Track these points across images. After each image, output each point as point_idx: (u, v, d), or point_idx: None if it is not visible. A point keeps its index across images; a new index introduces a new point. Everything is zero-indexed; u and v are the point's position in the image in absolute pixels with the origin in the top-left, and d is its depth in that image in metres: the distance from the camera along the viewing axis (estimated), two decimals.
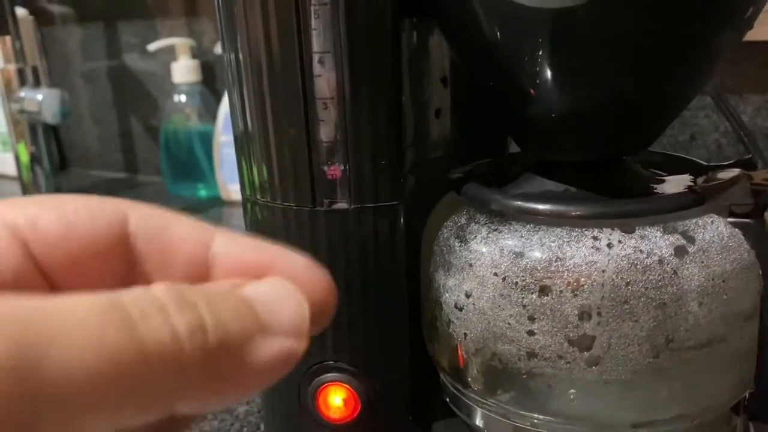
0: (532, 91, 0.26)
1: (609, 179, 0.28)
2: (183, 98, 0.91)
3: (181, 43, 0.89)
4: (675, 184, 0.28)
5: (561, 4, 0.22)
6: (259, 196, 0.29)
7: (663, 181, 0.28)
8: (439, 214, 0.30)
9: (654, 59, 0.24)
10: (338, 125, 0.26)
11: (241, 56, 0.27)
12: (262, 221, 0.29)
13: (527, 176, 0.29)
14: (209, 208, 0.88)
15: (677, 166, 0.30)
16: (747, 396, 0.27)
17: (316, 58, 0.25)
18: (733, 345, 0.25)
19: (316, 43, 0.25)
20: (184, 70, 0.90)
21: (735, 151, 0.63)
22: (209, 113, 0.91)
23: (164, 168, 0.94)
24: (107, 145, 1.07)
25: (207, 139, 0.90)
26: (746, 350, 0.26)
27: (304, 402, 0.30)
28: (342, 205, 0.27)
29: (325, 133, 0.26)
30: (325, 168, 0.27)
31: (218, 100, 0.91)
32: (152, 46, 0.89)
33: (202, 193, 0.92)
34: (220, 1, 0.27)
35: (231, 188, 0.88)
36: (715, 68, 0.26)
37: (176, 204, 0.89)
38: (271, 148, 0.27)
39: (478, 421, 0.29)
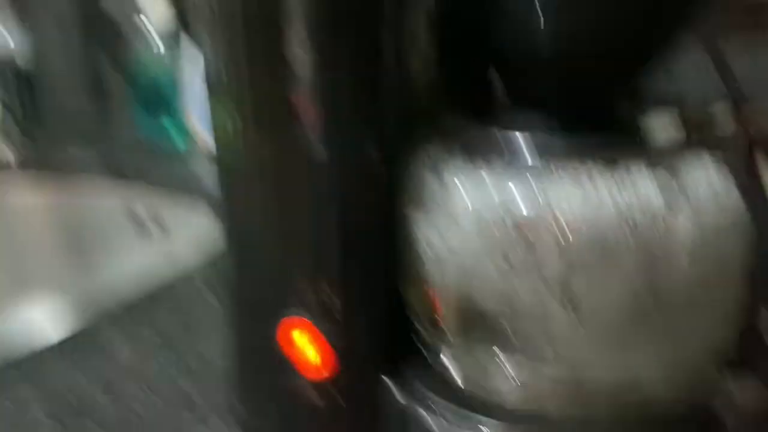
0: (516, 29, 0.24)
1: (596, 116, 0.26)
2: (152, 31, 0.87)
3: None
4: (662, 120, 0.26)
5: None
6: (230, 123, 0.27)
7: (649, 117, 0.27)
8: (416, 148, 0.28)
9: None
10: (316, 67, 0.24)
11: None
12: (231, 154, 0.27)
13: (510, 112, 0.28)
14: (180, 146, 0.85)
15: (668, 102, 0.28)
16: (731, 352, 0.26)
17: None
18: (719, 297, 0.24)
19: None
20: (156, 11, 0.86)
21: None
22: (181, 49, 0.88)
23: (135, 106, 0.91)
24: (76, 81, 1.03)
25: (179, 77, 0.87)
26: (732, 303, 0.25)
27: (274, 349, 0.29)
28: (319, 152, 0.26)
29: (301, 68, 0.24)
30: (299, 106, 0.25)
31: (189, 32, 0.88)
32: None
33: (173, 132, 0.89)
34: None
35: (202, 131, 0.85)
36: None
37: (146, 139, 0.87)
38: (242, 79, 0.25)
39: (451, 367, 0.28)
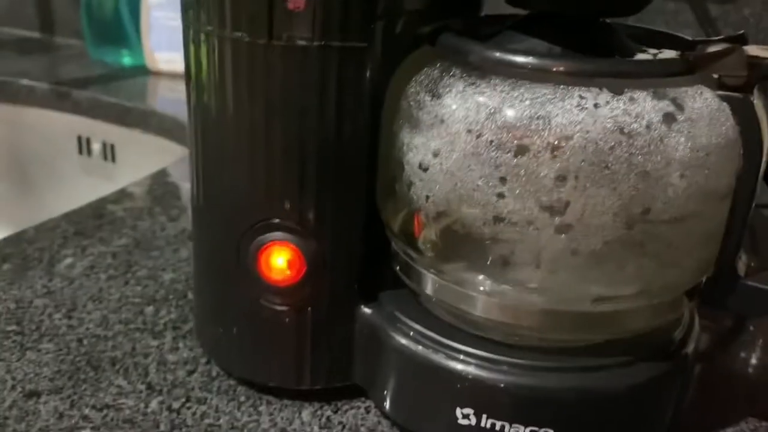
0: None
1: (597, 41, 0.25)
2: None
3: None
4: (665, 54, 0.26)
5: None
6: (203, 21, 0.25)
7: (652, 52, 0.26)
8: (408, 68, 0.27)
9: None
10: None
11: None
12: (206, 54, 0.25)
13: (508, 33, 0.27)
14: (133, 77, 0.81)
15: (665, 41, 0.28)
16: (703, 281, 0.27)
17: None
18: (705, 224, 0.24)
19: None
20: None
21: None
22: None
23: (86, 31, 0.86)
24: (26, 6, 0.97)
25: (133, 1, 0.82)
26: (715, 231, 0.25)
27: (243, 262, 0.28)
28: (303, 41, 0.24)
29: None
30: None
31: None
32: None
33: (127, 60, 0.85)
34: None
35: (159, 57, 0.81)
36: None
37: (97, 70, 0.82)
38: None
39: (429, 290, 0.27)
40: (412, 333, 0.27)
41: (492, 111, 0.23)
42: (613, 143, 0.22)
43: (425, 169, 0.25)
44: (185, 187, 0.53)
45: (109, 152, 0.75)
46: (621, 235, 0.23)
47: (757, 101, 0.25)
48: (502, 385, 0.26)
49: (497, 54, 0.24)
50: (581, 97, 0.22)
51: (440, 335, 0.27)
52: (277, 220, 0.27)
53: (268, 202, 0.27)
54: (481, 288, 0.25)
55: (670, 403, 0.28)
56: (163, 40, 0.80)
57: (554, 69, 0.23)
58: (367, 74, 0.25)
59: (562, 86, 0.23)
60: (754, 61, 0.24)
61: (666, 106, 0.23)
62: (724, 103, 0.24)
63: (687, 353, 0.28)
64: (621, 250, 0.23)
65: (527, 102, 0.23)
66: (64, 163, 0.78)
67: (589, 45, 0.25)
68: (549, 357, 0.26)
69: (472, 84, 0.24)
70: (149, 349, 0.33)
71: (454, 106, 0.24)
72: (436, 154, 0.24)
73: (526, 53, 0.24)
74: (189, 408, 0.30)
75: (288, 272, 0.27)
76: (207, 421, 0.29)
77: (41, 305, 0.36)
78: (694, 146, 0.23)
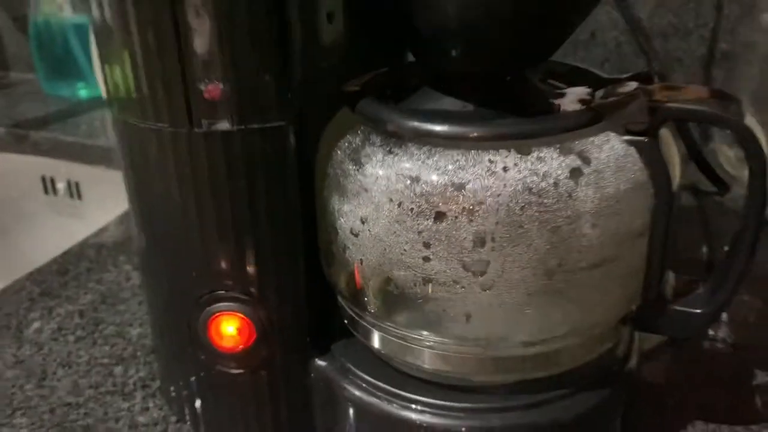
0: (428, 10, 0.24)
1: (507, 95, 0.26)
2: None
3: None
4: (573, 98, 0.27)
5: None
6: (130, 116, 0.26)
7: (562, 95, 0.27)
8: (333, 131, 0.28)
9: None
10: (213, 34, 0.23)
11: None
12: (135, 144, 0.26)
13: (425, 91, 0.28)
14: (91, 110, 0.81)
15: (577, 78, 0.29)
16: (634, 309, 0.28)
17: None
18: (624, 263, 0.26)
19: None
20: None
21: (633, 50, 0.63)
22: (83, 2, 0.83)
23: (38, 65, 0.85)
24: None
25: (83, 32, 0.82)
26: (636, 267, 0.26)
27: (194, 332, 0.29)
28: (224, 125, 0.25)
29: (200, 44, 0.23)
30: (202, 86, 0.24)
31: None
32: None
33: (83, 92, 0.85)
34: None
35: None
36: None
37: (54, 106, 0.82)
38: (137, 57, 0.24)
39: (376, 343, 0.29)
40: (364, 384, 0.29)
41: (410, 181, 0.24)
42: (523, 204, 0.23)
43: (356, 235, 0.26)
44: None
45: (75, 190, 0.75)
46: (542, 286, 0.24)
47: (666, 133, 0.26)
48: (453, 426, 0.27)
49: (413, 123, 0.24)
50: (491, 161, 0.24)
51: (391, 385, 0.28)
52: (222, 292, 0.28)
53: (211, 276, 0.28)
54: (422, 341, 0.27)
55: (617, 421, 0.30)
56: None
57: (465, 136, 0.24)
58: (291, 147, 0.26)
59: (473, 151, 0.24)
60: (654, 105, 0.25)
61: (572, 161, 0.24)
62: (632, 147, 0.25)
63: (628, 373, 0.29)
64: (544, 299, 0.25)
65: (442, 169, 0.24)
66: (30, 203, 0.78)
67: (502, 99, 0.26)
68: (498, 398, 0.27)
69: (391, 153, 0.25)
70: (120, 412, 0.34)
71: (375, 176, 0.25)
72: (363, 221, 0.25)
73: (439, 120, 0.24)
74: None
75: (238, 338, 0.28)
76: None
77: (12, 377, 0.37)
78: (603, 196, 0.24)
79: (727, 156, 0.60)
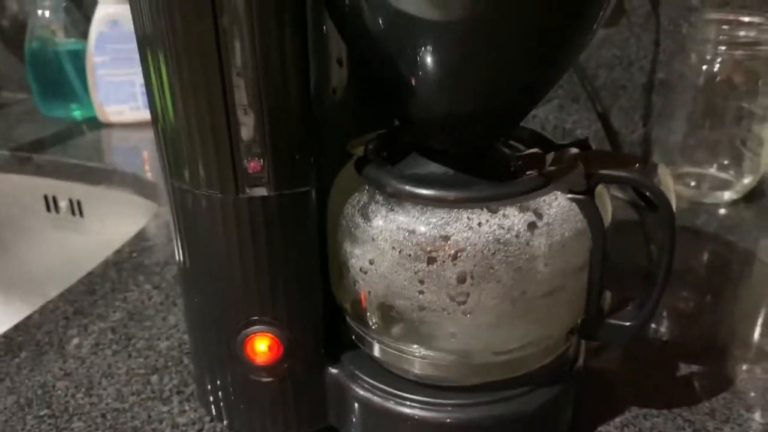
0: (411, 94, 0.31)
1: (481, 162, 0.34)
2: (47, 14, 0.87)
3: None
4: (533, 158, 0.35)
5: (440, 16, 0.27)
6: (185, 183, 0.32)
7: (523, 156, 0.35)
8: (342, 186, 0.35)
9: (517, 71, 0.30)
10: (257, 126, 0.30)
11: (167, 67, 0.30)
12: (188, 206, 0.33)
13: (415, 157, 0.35)
14: (88, 131, 0.87)
15: (534, 142, 0.37)
16: (579, 322, 0.36)
17: (234, 71, 0.29)
18: (570, 290, 0.34)
19: (237, 59, 0.29)
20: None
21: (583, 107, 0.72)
22: (76, 29, 0.88)
23: (34, 89, 0.90)
24: None
25: (76, 57, 0.87)
26: (579, 292, 0.34)
27: (233, 350, 0.36)
28: (262, 192, 0.32)
29: (246, 133, 0.30)
30: (246, 163, 0.31)
31: (84, 12, 0.88)
32: None
33: (77, 113, 0.90)
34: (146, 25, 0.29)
35: (108, 110, 0.87)
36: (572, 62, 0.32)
37: (51, 127, 0.88)
38: (196, 145, 0.31)
39: (377, 354, 0.36)
40: (368, 387, 0.36)
41: (408, 233, 0.32)
42: (494, 251, 0.31)
43: (365, 272, 0.33)
44: (163, 249, 0.60)
45: (77, 208, 0.81)
46: (508, 311, 0.32)
47: (601, 189, 0.34)
48: (440, 422, 0.35)
49: (407, 188, 0.32)
50: (468, 218, 0.31)
51: (390, 387, 0.36)
52: (256, 317, 0.35)
53: (247, 306, 0.35)
54: (415, 353, 0.34)
55: (569, 410, 0.38)
56: (110, 95, 0.86)
57: (447, 199, 0.31)
58: (313, 206, 0.33)
59: (455, 210, 0.31)
60: (590, 172, 0.33)
61: (529, 216, 0.32)
62: (574, 204, 0.33)
63: (576, 372, 0.38)
64: (510, 320, 0.32)
65: (432, 223, 0.31)
66: (33, 221, 0.83)
67: (476, 165, 0.34)
68: (473, 395, 0.35)
69: (392, 210, 0.32)
70: (162, 415, 0.41)
71: (380, 228, 0.32)
72: (371, 262, 0.33)
73: (427, 184, 0.32)
74: None
75: (269, 354, 0.36)
76: None
77: (63, 387, 0.44)
78: (553, 243, 0.32)
79: (665, 173, 0.69)
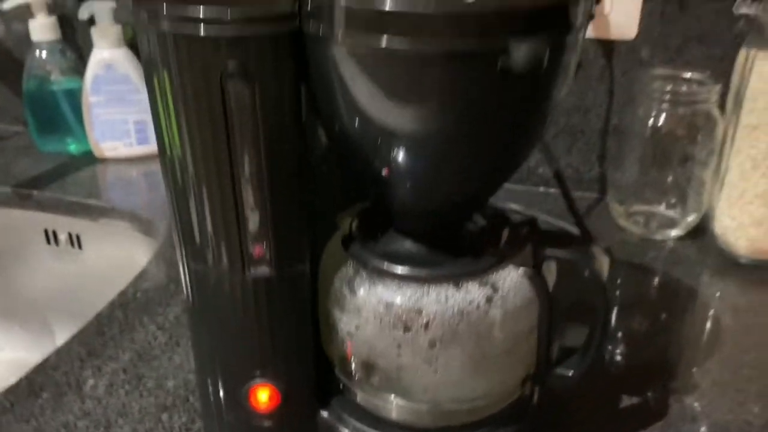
0: (385, 188, 0.38)
1: (448, 240, 0.40)
2: (44, 55, 0.91)
3: (35, 0, 0.88)
4: (492, 235, 0.41)
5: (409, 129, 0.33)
6: (199, 264, 0.39)
7: (483, 233, 0.42)
8: (330, 259, 0.41)
9: (482, 172, 0.37)
10: (262, 221, 0.37)
11: (187, 176, 0.36)
12: (201, 282, 0.39)
13: (392, 234, 0.41)
14: (85, 166, 0.92)
15: (495, 218, 0.43)
16: (531, 372, 0.43)
17: (244, 180, 0.35)
18: (522, 350, 0.40)
19: (246, 171, 0.35)
20: (41, 28, 0.90)
21: None
22: (71, 68, 0.93)
23: (31, 125, 0.95)
24: None
25: (72, 95, 0.92)
26: (530, 349, 0.41)
27: (238, 399, 0.42)
28: (265, 271, 0.38)
29: (252, 226, 0.37)
30: (252, 248, 0.37)
31: (78, 53, 0.93)
32: (7, 4, 0.88)
33: (72, 148, 0.95)
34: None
35: (104, 146, 0.92)
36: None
37: (49, 161, 0.92)
38: (210, 235, 0.37)
39: (361, 401, 0.43)
40: (353, 428, 0.43)
41: (387, 305, 0.38)
42: (458, 321, 0.37)
43: (351, 336, 0.40)
44: (164, 290, 0.65)
45: (76, 241, 0.86)
46: (471, 369, 0.39)
47: (552, 265, 0.41)
48: None
49: (386, 266, 0.38)
50: (437, 293, 0.38)
51: (372, 428, 0.42)
52: (258, 372, 0.41)
53: (252, 364, 0.41)
54: (393, 402, 0.41)
55: None
56: (106, 132, 0.91)
57: (419, 276, 0.38)
58: (308, 281, 0.40)
59: (427, 285, 0.38)
60: (537, 251, 0.39)
61: (487, 290, 0.38)
62: (524, 277, 0.39)
63: (532, 409, 0.44)
64: (472, 376, 0.39)
65: (407, 297, 0.38)
66: (33, 252, 0.88)
67: (446, 242, 0.40)
68: None
69: (374, 284, 0.39)
70: None
71: (364, 300, 0.39)
72: (357, 328, 0.39)
73: (402, 261, 0.38)
74: None
75: (269, 403, 0.42)
76: None
77: (83, 426, 0.49)
78: (507, 312, 0.38)
79: (617, 210, 0.76)
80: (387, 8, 0.29)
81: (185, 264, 0.40)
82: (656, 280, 0.67)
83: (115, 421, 0.50)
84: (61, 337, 0.90)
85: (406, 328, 0.38)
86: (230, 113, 0.33)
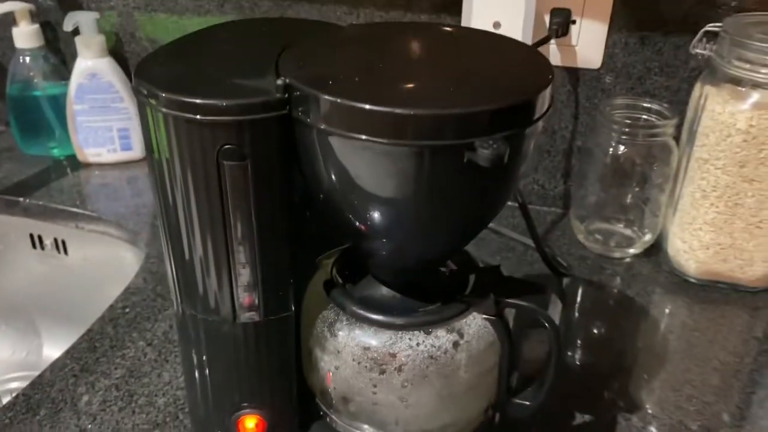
0: (361, 241, 0.42)
1: (420, 287, 0.45)
2: (27, 60, 0.93)
3: (20, 8, 0.89)
4: (459, 282, 0.46)
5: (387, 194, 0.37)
6: (193, 310, 0.42)
7: (452, 279, 0.46)
8: (312, 302, 0.45)
9: (449, 238, 0.41)
10: (252, 274, 0.40)
11: (186, 236, 0.39)
12: (194, 326, 0.43)
13: (369, 279, 0.46)
14: (70, 171, 0.94)
15: (463, 263, 0.47)
16: (492, 401, 0.48)
17: (236, 242, 0.39)
18: (485, 385, 0.45)
19: (239, 234, 0.39)
20: (24, 36, 0.91)
21: None
22: (54, 73, 0.95)
23: (14, 128, 0.97)
24: None
25: (54, 99, 0.94)
26: (492, 384, 0.46)
27: (227, 426, 0.46)
28: (254, 317, 0.42)
29: (243, 280, 0.41)
30: (242, 298, 0.41)
31: (61, 58, 0.95)
32: None
33: (55, 151, 0.97)
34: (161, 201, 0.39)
35: (87, 152, 0.94)
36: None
37: (33, 166, 0.94)
38: (202, 285, 0.41)
39: (338, 427, 0.47)
40: None
41: (364, 348, 0.42)
42: (428, 364, 0.42)
43: (331, 373, 0.44)
44: (150, 305, 0.69)
45: (61, 246, 0.88)
46: (438, 405, 0.43)
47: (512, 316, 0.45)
48: None
49: (363, 313, 0.43)
50: (410, 339, 0.42)
51: None
52: (246, 404, 0.46)
53: (240, 396, 0.45)
54: (367, 430, 0.45)
55: None
56: (89, 139, 0.93)
57: (393, 324, 0.42)
58: (293, 324, 0.44)
59: (400, 331, 0.42)
60: (498, 300, 0.44)
61: (454, 336, 0.43)
62: (487, 322, 0.44)
63: None
64: (439, 411, 0.44)
65: (383, 342, 0.42)
66: (19, 256, 0.91)
67: (417, 290, 0.45)
68: None
69: (353, 329, 0.43)
70: None
71: (344, 343, 0.43)
72: (336, 368, 0.44)
73: (378, 310, 0.43)
74: None
75: (256, 429, 0.46)
76: None
77: None
78: (472, 355, 0.43)
79: (579, 228, 0.81)
80: (366, 107, 0.33)
81: (181, 309, 0.43)
82: (611, 297, 0.73)
83: None
84: (47, 338, 0.93)
85: (381, 371, 0.42)
86: (225, 186, 0.37)
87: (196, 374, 0.46)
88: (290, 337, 0.44)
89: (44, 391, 0.58)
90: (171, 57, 0.40)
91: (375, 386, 0.43)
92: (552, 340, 0.44)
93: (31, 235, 0.89)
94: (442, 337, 0.43)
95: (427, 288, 0.45)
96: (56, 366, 0.61)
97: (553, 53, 0.78)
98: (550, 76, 0.37)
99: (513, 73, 0.38)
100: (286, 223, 0.40)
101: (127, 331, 0.65)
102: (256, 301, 0.42)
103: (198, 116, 0.35)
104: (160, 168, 0.38)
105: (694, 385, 0.61)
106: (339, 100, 0.33)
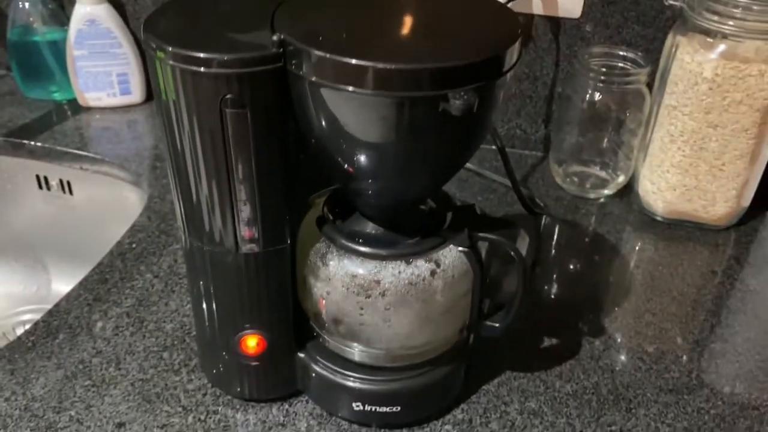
0: (349, 181, 0.47)
1: (403, 222, 0.50)
2: (26, 5, 0.95)
3: None
4: (437, 218, 0.51)
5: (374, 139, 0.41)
6: (200, 243, 0.48)
7: (431, 216, 0.51)
8: (306, 236, 0.50)
9: (429, 178, 0.46)
10: (251, 209, 0.45)
11: (191, 177, 0.44)
12: (199, 258, 0.48)
13: (357, 216, 0.51)
14: (71, 115, 0.97)
15: (441, 201, 0.53)
16: (466, 323, 0.54)
17: (237, 180, 0.44)
18: (460, 308, 0.51)
19: (239, 173, 0.44)
20: None
21: None
22: (54, 18, 0.97)
23: (16, 73, 1.00)
24: None
25: (55, 44, 0.97)
26: (466, 307, 0.52)
27: (231, 345, 0.52)
28: (254, 248, 0.47)
29: (244, 215, 0.46)
30: (244, 231, 0.46)
31: (59, 2, 0.97)
32: None
33: (56, 95, 1.01)
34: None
35: (88, 96, 0.98)
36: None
37: (35, 108, 0.98)
38: (208, 220, 0.46)
39: (330, 346, 0.53)
40: (323, 366, 0.53)
41: (352, 276, 0.48)
42: (408, 290, 0.48)
43: (323, 298, 0.50)
44: (156, 241, 0.74)
45: (67, 187, 0.93)
46: (417, 325, 0.49)
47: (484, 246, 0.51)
48: (372, 389, 0.52)
49: (351, 245, 0.48)
50: (393, 268, 0.48)
51: (338, 367, 0.53)
52: (248, 324, 0.51)
53: (243, 319, 0.51)
54: (355, 348, 0.51)
55: (461, 378, 0.56)
56: (89, 83, 0.97)
57: (378, 255, 0.47)
58: (288, 254, 0.49)
59: (384, 261, 0.48)
60: (471, 234, 0.49)
61: (431, 265, 0.48)
62: (462, 253, 0.49)
63: (467, 350, 0.55)
64: (419, 330, 0.50)
65: (368, 270, 0.48)
66: (26, 196, 0.96)
67: (401, 224, 0.50)
68: (395, 373, 0.53)
69: (342, 259, 0.48)
70: (176, 383, 0.58)
71: (334, 271, 0.48)
72: (328, 293, 0.49)
73: (365, 242, 0.48)
74: (211, 417, 0.55)
75: (257, 348, 0.52)
76: (222, 424, 0.54)
77: (97, 363, 0.59)
78: (446, 281, 0.48)
79: (557, 171, 0.86)
80: (353, 62, 0.37)
81: (188, 242, 0.49)
82: (584, 234, 0.79)
83: (124, 359, 0.60)
84: (55, 273, 0.99)
85: (367, 296, 0.48)
86: (227, 132, 0.42)
87: (203, 300, 0.51)
88: (286, 266, 0.49)
89: (62, 318, 0.64)
90: (177, 13, 0.44)
91: (362, 309, 0.48)
92: (519, 269, 0.50)
93: (38, 176, 0.94)
94: (421, 267, 0.48)
95: (409, 223, 0.50)
96: (71, 296, 0.67)
97: (536, 3, 0.81)
98: (519, 32, 0.41)
99: (484, 30, 0.42)
100: (282, 165, 0.45)
101: (135, 265, 0.71)
102: (256, 235, 0.47)
103: (202, 68, 0.39)
104: (168, 114, 0.42)
105: (654, 313, 0.67)
106: (328, 55, 0.38)
